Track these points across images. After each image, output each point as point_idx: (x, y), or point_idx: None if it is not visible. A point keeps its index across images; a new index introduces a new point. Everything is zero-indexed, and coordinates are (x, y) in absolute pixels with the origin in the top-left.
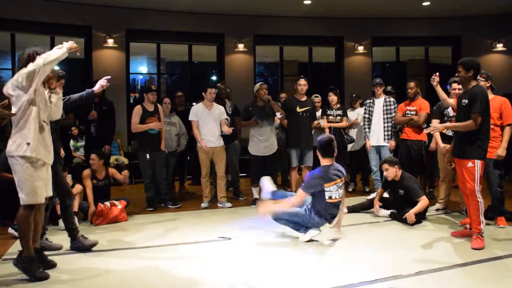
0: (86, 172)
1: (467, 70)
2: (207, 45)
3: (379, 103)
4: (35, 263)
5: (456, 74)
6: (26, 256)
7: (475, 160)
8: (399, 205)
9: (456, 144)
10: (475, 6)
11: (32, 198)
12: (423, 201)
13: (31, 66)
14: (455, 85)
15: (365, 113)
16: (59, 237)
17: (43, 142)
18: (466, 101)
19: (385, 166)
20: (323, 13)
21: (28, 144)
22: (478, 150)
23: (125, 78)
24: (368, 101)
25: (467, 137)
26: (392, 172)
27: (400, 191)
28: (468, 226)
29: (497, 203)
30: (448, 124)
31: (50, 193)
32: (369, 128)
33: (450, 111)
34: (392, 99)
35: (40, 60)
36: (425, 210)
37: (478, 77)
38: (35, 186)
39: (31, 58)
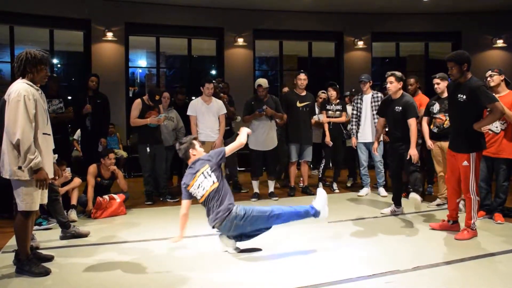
0: (92, 168)
1: (461, 64)
2: (207, 39)
3: (367, 99)
4: (33, 261)
5: (449, 72)
6: (24, 259)
7: (470, 156)
8: (394, 128)
9: (452, 137)
10: (476, 2)
11: (28, 205)
12: (413, 121)
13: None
14: (437, 80)
15: (353, 109)
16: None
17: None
18: (464, 96)
19: (391, 79)
20: (323, 8)
21: (20, 168)
22: (476, 142)
23: (124, 72)
24: (355, 97)
25: (464, 131)
26: (395, 87)
27: (398, 107)
28: (447, 218)
29: (499, 200)
30: (483, 123)
31: (45, 201)
32: (357, 125)
33: (435, 108)
34: (380, 94)
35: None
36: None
37: (491, 72)
38: (32, 193)
39: (29, 62)
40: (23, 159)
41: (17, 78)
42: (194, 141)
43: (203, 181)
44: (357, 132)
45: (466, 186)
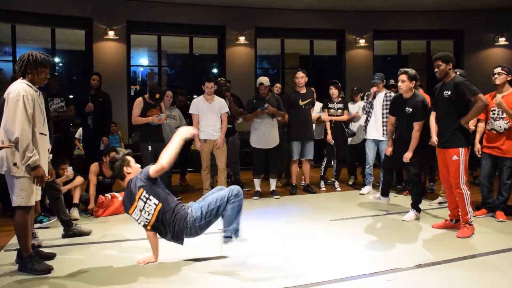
0: (94, 167)
1: (447, 62)
2: (208, 37)
3: (380, 97)
4: (35, 259)
5: (436, 70)
6: (26, 257)
7: (460, 151)
8: (403, 129)
9: (440, 135)
10: (478, 0)
11: (23, 200)
12: (418, 125)
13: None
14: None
15: (365, 106)
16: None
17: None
18: (449, 92)
19: (402, 77)
20: (324, 6)
21: (15, 164)
22: (463, 138)
23: (125, 70)
24: (368, 93)
25: (451, 126)
26: (407, 86)
27: (408, 109)
28: (449, 218)
29: (502, 198)
30: (469, 116)
31: (39, 197)
32: (368, 121)
33: None
34: (392, 93)
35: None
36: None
37: (500, 70)
38: (26, 189)
39: (30, 63)
40: (22, 157)
41: (17, 78)
42: (128, 157)
43: (143, 205)
44: (366, 127)
45: (456, 181)
